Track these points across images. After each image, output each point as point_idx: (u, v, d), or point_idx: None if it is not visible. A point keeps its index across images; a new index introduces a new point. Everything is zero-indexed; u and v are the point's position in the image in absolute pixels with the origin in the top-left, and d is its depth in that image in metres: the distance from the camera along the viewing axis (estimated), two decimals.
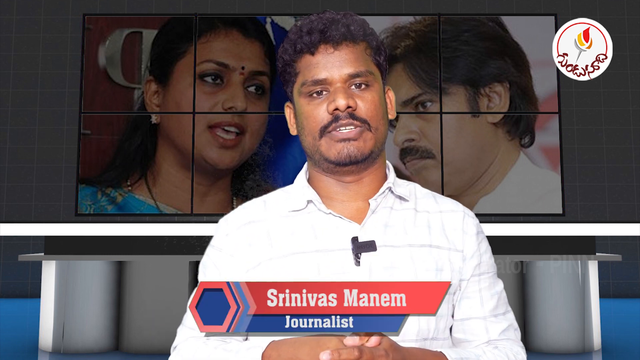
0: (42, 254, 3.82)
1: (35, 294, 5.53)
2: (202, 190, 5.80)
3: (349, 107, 0.97)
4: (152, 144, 5.87)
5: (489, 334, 1.00)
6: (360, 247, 0.96)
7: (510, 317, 1.04)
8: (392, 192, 1.03)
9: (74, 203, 5.88)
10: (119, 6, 6.14)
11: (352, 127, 0.97)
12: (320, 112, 0.99)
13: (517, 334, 1.04)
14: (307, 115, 1.00)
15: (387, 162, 1.07)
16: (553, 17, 6.08)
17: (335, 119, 0.97)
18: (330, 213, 1.00)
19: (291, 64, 1.02)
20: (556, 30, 4.58)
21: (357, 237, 0.97)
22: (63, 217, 5.89)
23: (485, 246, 1.05)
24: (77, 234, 3.69)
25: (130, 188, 5.84)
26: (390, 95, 1.07)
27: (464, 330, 1.01)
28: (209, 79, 5.89)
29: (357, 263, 0.96)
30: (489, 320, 1.01)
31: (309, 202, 1.02)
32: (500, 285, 1.05)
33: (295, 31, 1.01)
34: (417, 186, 1.09)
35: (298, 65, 1.01)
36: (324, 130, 0.98)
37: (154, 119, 5.89)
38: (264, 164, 5.84)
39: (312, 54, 1.00)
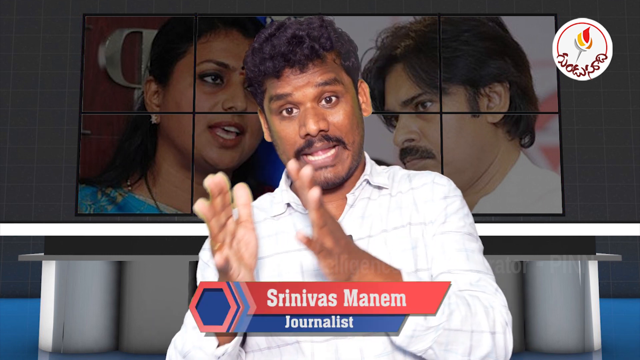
0: (42, 254, 3.82)
1: (35, 294, 5.54)
2: (202, 190, 5.80)
3: (321, 130, 0.95)
4: (152, 144, 5.87)
5: (457, 284, 0.91)
6: None
7: (488, 277, 0.94)
8: (369, 183, 1.03)
9: (74, 203, 5.88)
10: (119, 6, 6.14)
11: (327, 149, 0.96)
12: (292, 134, 0.97)
13: (496, 293, 0.91)
14: (279, 135, 0.99)
15: (364, 152, 1.05)
16: (553, 17, 6.09)
17: (309, 144, 0.96)
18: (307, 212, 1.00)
19: (257, 81, 1.00)
20: (556, 30, 4.58)
21: None
22: (63, 217, 5.89)
23: (457, 207, 1.00)
24: (77, 234, 3.69)
25: (130, 188, 5.84)
26: (364, 87, 1.05)
27: None
28: (209, 79, 5.89)
29: None
30: (456, 272, 0.92)
31: (287, 205, 1.03)
32: (473, 245, 0.97)
33: (258, 54, 0.96)
34: (397, 169, 1.08)
35: (265, 84, 0.99)
36: (299, 153, 0.97)
37: (154, 119, 5.89)
38: (264, 164, 5.85)
39: (277, 77, 0.96)
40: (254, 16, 6.03)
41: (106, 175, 5.86)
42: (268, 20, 6.03)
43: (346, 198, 1.02)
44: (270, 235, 1.01)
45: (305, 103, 0.96)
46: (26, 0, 6.24)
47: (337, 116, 0.97)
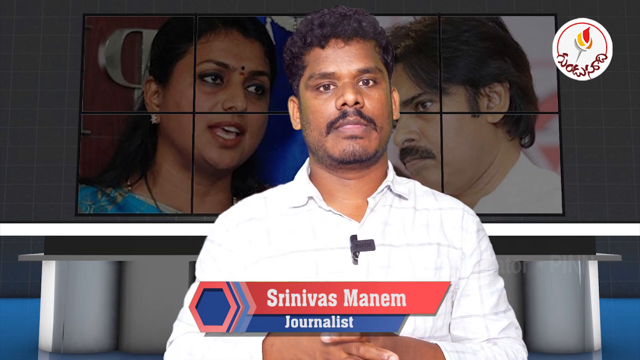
0: (42, 254, 3.82)
1: (35, 294, 5.53)
2: (202, 190, 5.80)
3: (356, 103, 0.96)
4: (152, 144, 5.87)
5: (489, 332, 1.00)
6: (359, 246, 0.96)
7: (511, 315, 1.03)
8: (391, 190, 1.03)
9: (74, 203, 5.88)
10: (119, 6, 6.14)
11: (358, 124, 0.97)
12: (328, 107, 0.98)
13: (519, 332, 1.03)
14: (313, 109, 0.99)
15: (387, 161, 1.07)
16: (553, 17, 6.08)
17: (343, 114, 0.97)
18: (330, 210, 0.99)
19: (299, 57, 1.01)
20: (556, 30, 4.58)
21: (355, 236, 0.97)
22: (63, 217, 5.89)
23: (486, 244, 1.05)
24: (77, 234, 3.69)
25: (130, 188, 5.84)
26: (395, 96, 1.07)
27: (464, 328, 1.00)
28: (209, 79, 5.89)
29: (355, 262, 0.95)
30: (489, 318, 1.00)
31: (309, 198, 1.01)
32: (500, 283, 1.04)
33: (306, 24, 1.01)
34: (417, 184, 1.09)
35: (306, 58, 1.01)
36: (331, 126, 0.98)
37: (154, 119, 5.89)
38: (264, 164, 5.85)
39: (322, 47, 0.99)
40: (254, 16, 6.03)
41: (106, 175, 5.86)
42: (268, 20, 6.03)
43: (367, 201, 1.01)
44: (285, 233, 0.99)
45: (344, 78, 0.98)
46: (26, 0, 6.24)
47: (373, 98, 0.98)
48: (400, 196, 1.03)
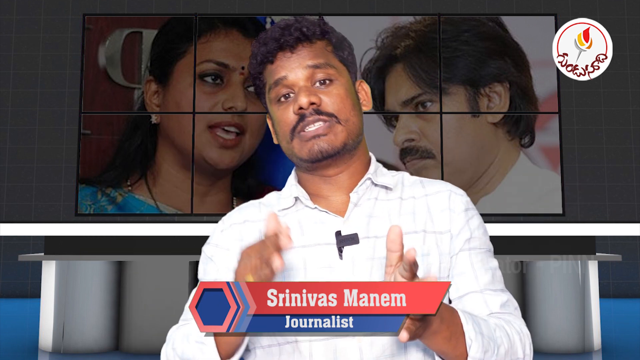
0: (42, 254, 3.82)
1: (35, 294, 5.53)
2: (202, 190, 5.80)
3: (312, 103, 0.98)
4: (152, 144, 5.87)
5: (489, 307, 0.98)
6: (343, 241, 0.98)
7: (509, 295, 1.01)
8: (373, 182, 1.04)
9: (74, 203, 5.88)
10: (119, 6, 6.14)
11: (320, 122, 0.98)
12: (288, 114, 1.00)
13: (518, 312, 1.01)
14: (278, 120, 1.02)
15: (370, 153, 1.08)
16: (553, 17, 6.09)
17: (302, 118, 0.98)
18: (315, 208, 1.01)
19: (258, 77, 1.05)
20: (556, 30, 4.59)
21: (340, 231, 0.99)
22: (63, 217, 5.89)
23: (478, 223, 1.03)
24: (77, 234, 3.69)
25: (130, 188, 5.84)
26: (365, 87, 1.08)
27: (464, 307, 0.99)
28: (209, 79, 5.89)
29: (341, 257, 0.97)
30: (487, 293, 0.99)
31: (296, 199, 1.04)
32: (495, 262, 1.03)
33: (256, 44, 1.04)
34: (406, 175, 1.08)
35: (263, 76, 1.04)
36: (294, 132, 1.00)
37: (154, 119, 5.90)
38: (264, 164, 5.85)
39: (272, 62, 1.02)
40: (254, 16, 6.03)
41: (106, 175, 5.86)
42: (268, 20, 6.03)
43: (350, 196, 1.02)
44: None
45: (299, 83, 1.00)
46: (26, 0, 6.24)
47: (330, 94, 1.00)
48: (385, 187, 1.04)
